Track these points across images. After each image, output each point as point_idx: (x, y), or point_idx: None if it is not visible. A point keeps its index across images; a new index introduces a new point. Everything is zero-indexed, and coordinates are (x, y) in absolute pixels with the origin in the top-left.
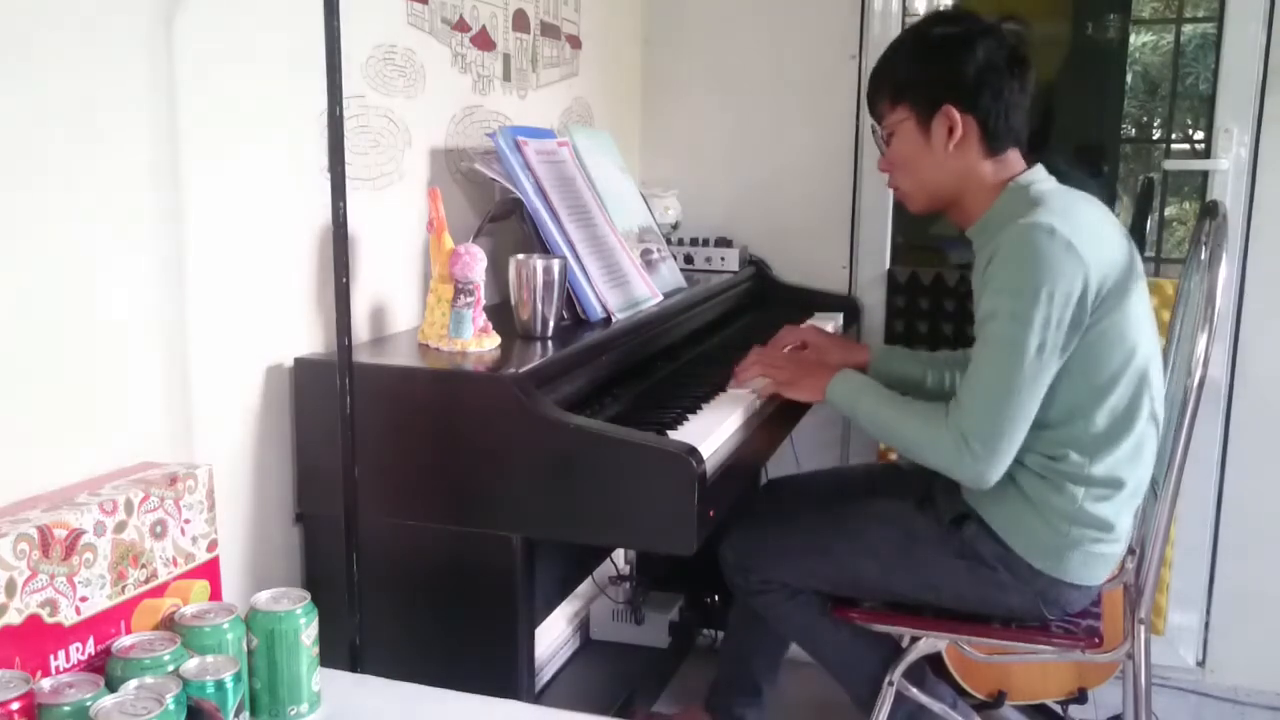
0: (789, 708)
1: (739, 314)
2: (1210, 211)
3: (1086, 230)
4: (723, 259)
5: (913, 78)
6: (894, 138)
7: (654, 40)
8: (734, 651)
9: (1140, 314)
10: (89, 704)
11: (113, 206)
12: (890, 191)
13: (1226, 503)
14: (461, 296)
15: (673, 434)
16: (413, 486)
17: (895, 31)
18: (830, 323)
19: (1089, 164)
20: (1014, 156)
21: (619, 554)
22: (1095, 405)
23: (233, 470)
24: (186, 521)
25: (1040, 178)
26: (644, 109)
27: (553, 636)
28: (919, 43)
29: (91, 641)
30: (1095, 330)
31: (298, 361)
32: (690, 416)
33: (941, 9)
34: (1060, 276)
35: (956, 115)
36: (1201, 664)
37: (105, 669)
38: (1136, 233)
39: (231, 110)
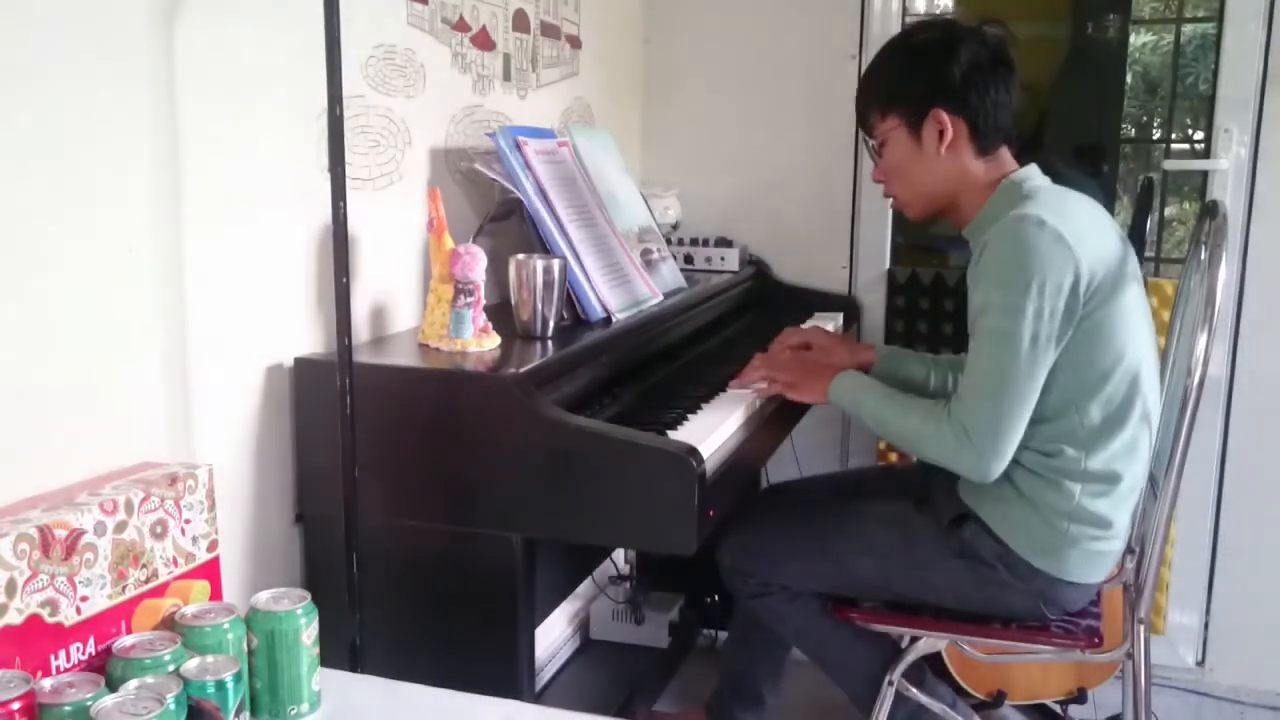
0: (789, 708)
1: (739, 314)
2: (1210, 211)
3: (1077, 224)
4: (723, 259)
5: (900, 86)
6: (886, 147)
7: (654, 40)
8: (735, 659)
9: (1133, 314)
10: (89, 704)
11: (112, 206)
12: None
13: (1226, 503)
14: (461, 296)
15: (673, 434)
16: (413, 486)
17: (895, 31)
18: (830, 323)
19: (1089, 164)
20: (1005, 155)
21: (619, 554)
22: (1088, 399)
23: (233, 470)
24: (187, 521)
25: (1033, 175)
26: (644, 109)
27: (553, 636)
28: (902, 52)
29: (92, 641)
30: (1088, 323)
31: (298, 361)
32: (690, 416)
33: (919, 20)
34: (1050, 267)
35: (946, 118)
36: (1201, 664)
37: (106, 669)
38: (1136, 233)
39: (231, 109)
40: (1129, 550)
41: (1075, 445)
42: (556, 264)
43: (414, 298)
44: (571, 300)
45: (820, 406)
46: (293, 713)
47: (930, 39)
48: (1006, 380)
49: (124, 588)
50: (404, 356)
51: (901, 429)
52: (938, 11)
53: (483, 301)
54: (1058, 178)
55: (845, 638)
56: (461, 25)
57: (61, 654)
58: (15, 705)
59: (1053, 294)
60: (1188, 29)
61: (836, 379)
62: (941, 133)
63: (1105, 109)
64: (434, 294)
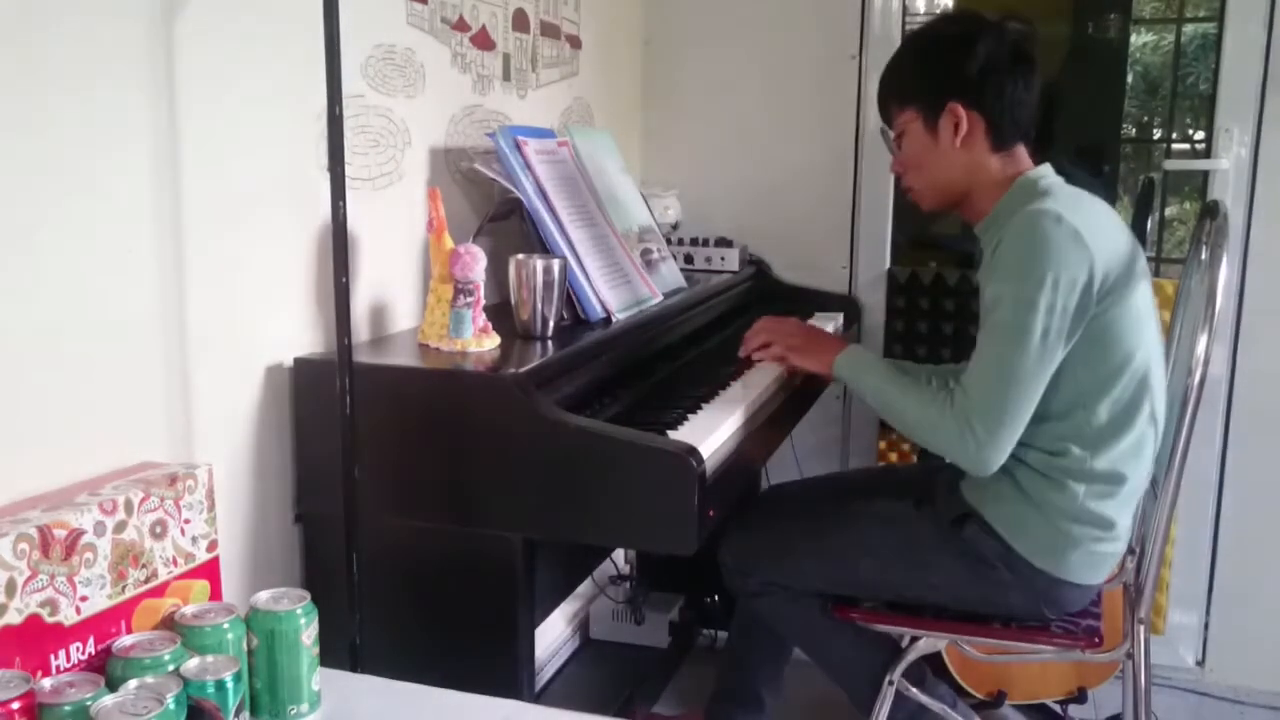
0: (789, 708)
1: (739, 314)
2: (1210, 211)
3: (1093, 222)
4: (723, 259)
5: (918, 79)
6: (904, 138)
7: (654, 40)
8: (735, 661)
9: (1143, 314)
10: (89, 704)
11: (112, 206)
12: (890, 192)
13: (1226, 503)
14: (461, 296)
15: (673, 434)
16: (413, 486)
17: (895, 31)
18: (830, 323)
19: (1089, 164)
20: (1021, 153)
21: (619, 554)
22: (1097, 397)
23: (233, 470)
24: (186, 521)
25: (1048, 173)
26: (644, 109)
27: (553, 636)
28: (922, 45)
29: (92, 641)
30: (1100, 321)
31: (298, 361)
32: (690, 416)
33: (945, 11)
34: (1066, 263)
35: (962, 112)
36: (1201, 664)
37: (105, 669)
38: (1137, 233)
39: (231, 108)
40: (1129, 550)
41: (1082, 444)
42: (556, 264)
43: (414, 298)
44: (571, 300)
45: (820, 406)
46: (293, 713)
47: (950, 33)
48: (1013, 373)
49: (124, 588)
50: (404, 356)
51: (903, 411)
52: (938, 12)
53: (483, 301)
54: (1061, 177)
55: (846, 637)
56: (461, 25)
57: (61, 654)
58: (15, 705)
59: (1066, 290)
60: (1188, 29)
61: (843, 352)
62: (957, 126)
63: (1105, 109)
64: (434, 294)
